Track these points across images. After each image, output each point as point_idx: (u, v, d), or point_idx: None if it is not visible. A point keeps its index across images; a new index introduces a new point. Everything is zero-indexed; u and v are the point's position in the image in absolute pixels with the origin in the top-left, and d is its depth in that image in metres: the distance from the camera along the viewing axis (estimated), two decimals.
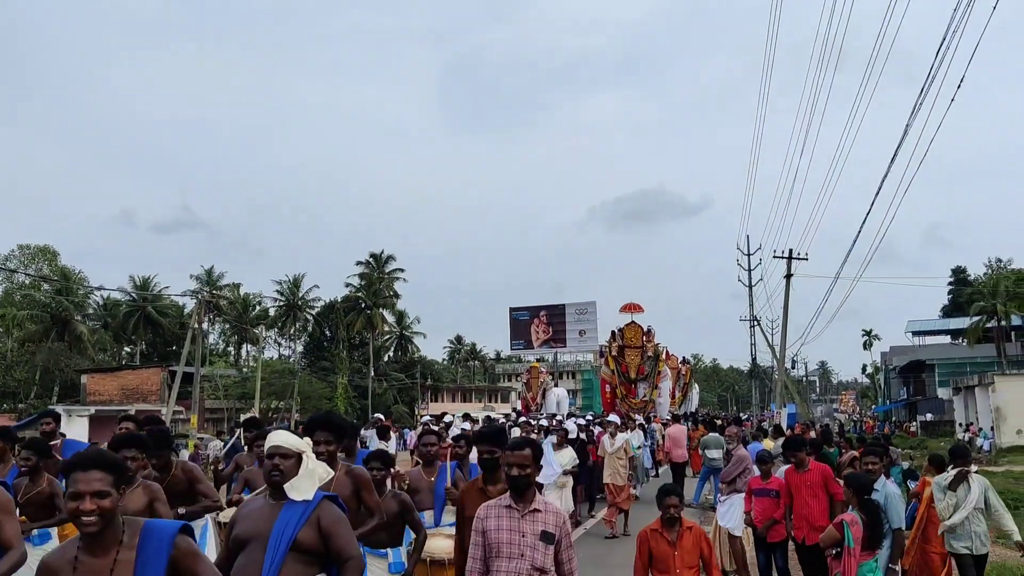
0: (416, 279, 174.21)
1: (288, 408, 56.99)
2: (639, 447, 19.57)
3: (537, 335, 78.80)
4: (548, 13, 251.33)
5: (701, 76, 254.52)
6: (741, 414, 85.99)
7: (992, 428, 36.39)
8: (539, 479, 9.60)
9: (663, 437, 22.51)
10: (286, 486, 3.78)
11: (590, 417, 18.92)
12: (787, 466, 11.47)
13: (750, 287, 52.30)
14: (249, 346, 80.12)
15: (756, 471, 8.97)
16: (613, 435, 13.93)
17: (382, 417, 18.53)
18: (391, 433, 16.31)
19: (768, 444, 14.51)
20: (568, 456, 11.93)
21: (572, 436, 13.63)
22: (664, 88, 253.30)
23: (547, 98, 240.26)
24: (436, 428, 12.63)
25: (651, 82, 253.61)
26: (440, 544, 5.98)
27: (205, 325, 65.06)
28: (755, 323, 53.84)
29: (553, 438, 12.44)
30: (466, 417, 18.19)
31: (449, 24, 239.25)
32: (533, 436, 15.37)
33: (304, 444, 3.96)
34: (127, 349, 75.17)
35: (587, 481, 14.83)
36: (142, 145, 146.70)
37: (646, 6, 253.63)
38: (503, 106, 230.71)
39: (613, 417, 15.79)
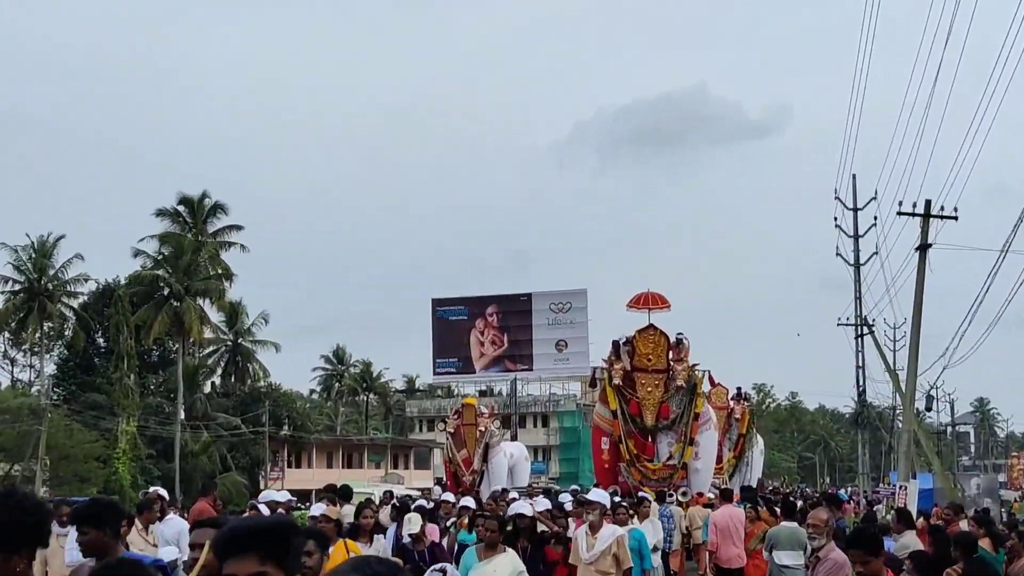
0: (265, 248, 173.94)
1: (29, 475, 56.37)
2: (656, 547, 19.36)
3: (482, 349, 79.29)
4: None
5: None
6: (841, 489, 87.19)
7: None
8: None
9: (695, 525, 22.56)
10: None
11: (568, 493, 18.39)
12: None
13: (857, 266, 52.80)
14: None
15: None
16: (595, 527, 13.33)
17: (162, 493, 17.98)
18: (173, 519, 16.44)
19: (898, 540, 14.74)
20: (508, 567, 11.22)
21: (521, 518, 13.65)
22: None
23: None
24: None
25: None
26: None
27: None
28: (866, 330, 54.29)
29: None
30: (329, 498, 18.28)
31: None
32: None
33: None
34: None
35: None
36: None
37: None
38: None
39: (598, 494, 15.33)
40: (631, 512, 17.75)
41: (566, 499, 19.54)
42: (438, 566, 10.59)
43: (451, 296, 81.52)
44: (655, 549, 18.98)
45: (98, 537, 6.41)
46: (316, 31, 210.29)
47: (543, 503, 17.38)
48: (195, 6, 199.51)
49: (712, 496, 27.91)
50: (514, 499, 16.96)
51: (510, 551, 11.40)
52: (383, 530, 14.59)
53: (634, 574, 14.80)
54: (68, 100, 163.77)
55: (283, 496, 19.52)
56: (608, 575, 12.92)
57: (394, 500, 22.33)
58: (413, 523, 14.44)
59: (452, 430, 39.64)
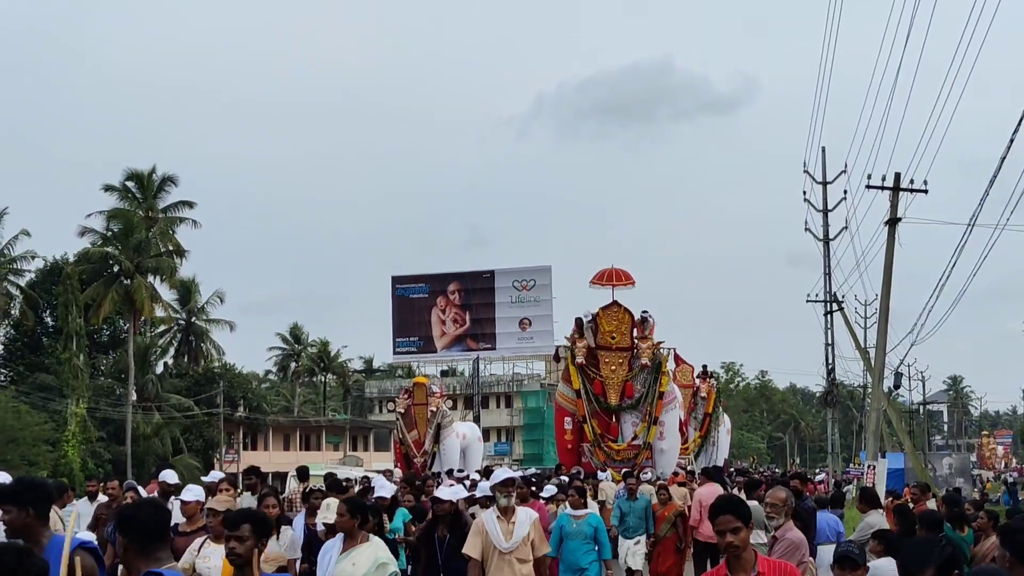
0: (218, 224, 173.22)
1: None
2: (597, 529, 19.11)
3: (443, 328, 79.11)
4: None
5: None
6: (812, 470, 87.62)
7: None
8: None
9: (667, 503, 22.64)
10: None
11: (512, 473, 16.02)
12: (883, 561, 11.73)
13: (826, 241, 52.86)
14: None
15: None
16: (505, 511, 11.60)
17: (173, 480, 17.93)
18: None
19: (853, 518, 14.78)
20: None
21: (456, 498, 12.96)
22: None
23: None
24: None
25: None
26: None
27: None
28: (835, 307, 54.54)
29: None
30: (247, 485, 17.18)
31: None
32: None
33: None
34: None
35: None
36: None
37: None
38: None
39: (505, 472, 13.54)
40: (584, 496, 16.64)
41: (551, 491, 18.80)
42: None
43: (411, 274, 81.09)
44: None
45: (20, 517, 6.39)
46: (270, 1, 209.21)
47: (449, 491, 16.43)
48: None
49: (677, 473, 28.02)
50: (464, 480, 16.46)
51: (375, 539, 10.04)
52: (289, 521, 13.54)
53: (588, 562, 14.51)
54: (8, 68, 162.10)
55: (216, 476, 18.86)
56: (526, 562, 11.34)
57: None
58: (331, 510, 12.51)
59: (402, 410, 39.45)
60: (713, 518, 6.83)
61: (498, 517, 11.39)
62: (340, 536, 9.79)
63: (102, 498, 16.99)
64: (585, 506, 15.51)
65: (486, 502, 13.25)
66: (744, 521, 6.68)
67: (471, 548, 11.29)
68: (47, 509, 6.82)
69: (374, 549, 9.58)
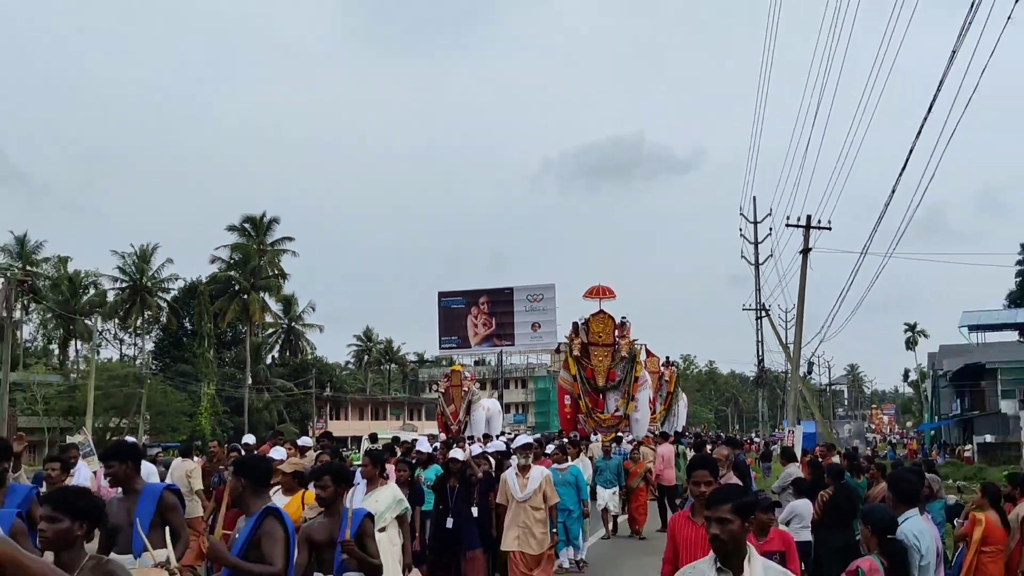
0: (311, 253, 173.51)
1: (134, 427, 56.04)
2: (592, 483, 18.62)
3: (476, 329, 78.96)
4: None
5: None
6: (748, 435, 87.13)
7: None
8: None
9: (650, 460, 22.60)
10: None
11: (529, 439, 14.52)
12: (799, 502, 11.63)
13: (756, 265, 52.81)
14: (79, 343, 78.65)
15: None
16: (524, 469, 11.52)
17: (252, 441, 17.74)
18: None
19: (777, 469, 14.63)
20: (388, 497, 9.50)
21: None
22: (651, 8, 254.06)
23: (488, 10, 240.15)
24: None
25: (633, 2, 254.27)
26: None
27: (17, 314, 63.67)
28: (763, 314, 54.30)
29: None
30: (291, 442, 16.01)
31: None
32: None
33: None
34: None
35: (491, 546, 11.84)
36: None
37: None
38: (431, 20, 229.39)
39: (524, 439, 13.45)
40: (568, 452, 16.49)
41: (551, 449, 18.40)
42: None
43: (452, 290, 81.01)
44: (593, 483, 18.50)
45: (121, 470, 6.52)
46: (350, 89, 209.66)
47: (424, 444, 16.24)
48: (250, 78, 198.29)
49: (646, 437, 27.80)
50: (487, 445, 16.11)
51: (391, 483, 9.86)
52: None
53: (573, 504, 14.26)
54: (161, 139, 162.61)
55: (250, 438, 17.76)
56: (539, 510, 11.27)
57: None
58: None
59: (443, 390, 39.63)
60: (691, 472, 6.79)
61: (517, 473, 11.37)
62: (364, 481, 9.44)
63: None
64: (566, 461, 15.12)
65: (507, 460, 12.96)
66: (715, 476, 6.57)
67: (500, 496, 11.44)
68: (139, 464, 6.86)
69: (391, 490, 9.46)
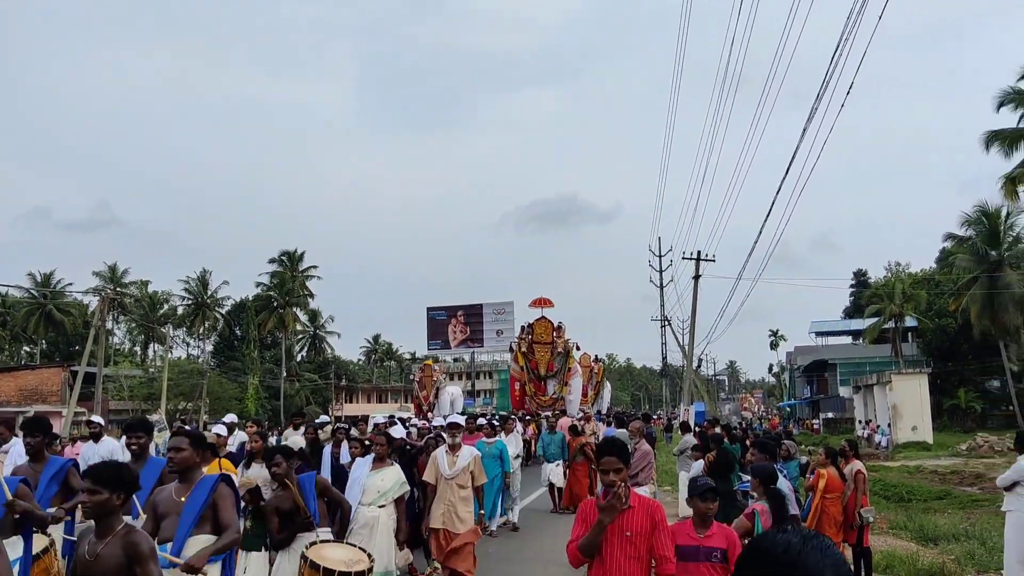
0: (331, 278, 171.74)
1: (196, 409, 55.43)
2: (519, 456, 15.81)
3: (455, 335, 78.34)
4: (470, 9, 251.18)
5: (618, 83, 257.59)
6: (655, 412, 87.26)
7: (889, 425, 37.73)
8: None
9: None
10: None
11: (460, 419, 11.22)
12: (696, 462, 11.63)
13: (661, 287, 52.91)
14: (156, 346, 77.78)
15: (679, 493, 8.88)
16: (452, 448, 9.09)
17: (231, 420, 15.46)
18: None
19: (677, 438, 14.62)
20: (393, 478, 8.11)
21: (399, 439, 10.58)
22: (580, 93, 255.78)
23: (468, 97, 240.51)
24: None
25: (570, 87, 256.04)
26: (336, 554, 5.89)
27: (110, 324, 62.91)
28: (666, 323, 54.67)
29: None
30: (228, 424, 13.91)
31: (371, 18, 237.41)
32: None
33: None
34: (27, 349, 72.09)
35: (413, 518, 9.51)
36: (61, 141, 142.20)
37: (569, 7, 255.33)
38: (424, 103, 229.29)
39: (456, 418, 10.65)
40: (498, 428, 14.48)
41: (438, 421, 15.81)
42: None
43: (437, 306, 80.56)
44: (516, 456, 15.09)
45: (146, 441, 6.48)
46: (360, 157, 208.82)
47: (399, 430, 12.81)
48: (283, 144, 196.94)
49: (578, 416, 27.56)
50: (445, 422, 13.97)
51: (395, 465, 8.36)
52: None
53: (496, 475, 12.54)
54: (222, 192, 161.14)
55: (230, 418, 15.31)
56: (464, 488, 8.85)
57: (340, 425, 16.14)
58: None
59: (418, 379, 38.72)
60: (599, 458, 4.63)
61: (446, 451, 8.99)
62: (371, 456, 8.13)
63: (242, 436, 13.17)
64: (495, 436, 13.35)
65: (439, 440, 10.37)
66: (625, 463, 4.55)
67: (427, 475, 8.99)
68: (204, 454, 6.32)
69: (396, 472, 8.08)
